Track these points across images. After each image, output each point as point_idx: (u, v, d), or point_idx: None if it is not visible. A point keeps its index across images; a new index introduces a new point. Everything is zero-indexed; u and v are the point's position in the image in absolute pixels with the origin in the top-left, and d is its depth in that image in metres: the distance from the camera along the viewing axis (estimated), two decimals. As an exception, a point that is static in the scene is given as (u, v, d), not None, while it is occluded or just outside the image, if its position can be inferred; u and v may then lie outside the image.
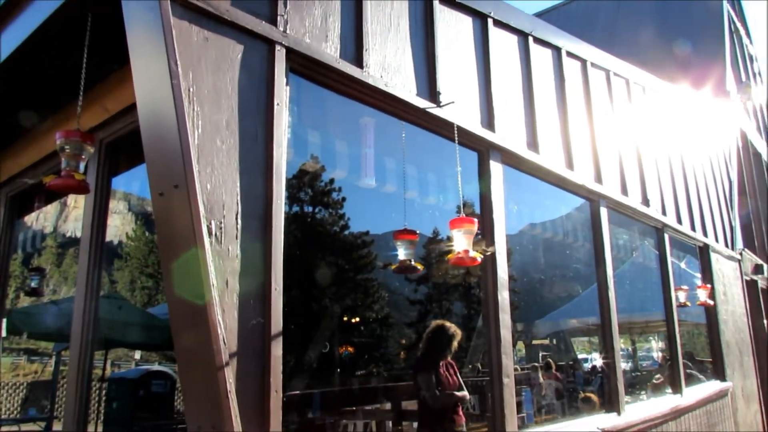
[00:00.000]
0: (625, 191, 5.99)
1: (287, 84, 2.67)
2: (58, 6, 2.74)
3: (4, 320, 4.63)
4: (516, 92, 4.63)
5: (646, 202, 6.43)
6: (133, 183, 4.04)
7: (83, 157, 2.48)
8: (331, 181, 17.03)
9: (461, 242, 3.06)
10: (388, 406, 7.80)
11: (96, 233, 3.22)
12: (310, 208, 16.99)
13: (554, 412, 7.73)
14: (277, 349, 2.26)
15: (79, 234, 3.28)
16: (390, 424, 7.21)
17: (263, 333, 2.24)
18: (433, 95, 3.68)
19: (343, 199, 17.03)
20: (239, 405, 2.02)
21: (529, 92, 4.75)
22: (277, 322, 2.29)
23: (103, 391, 9.18)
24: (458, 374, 4.50)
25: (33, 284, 6.00)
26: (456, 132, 3.60)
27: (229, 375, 2.02)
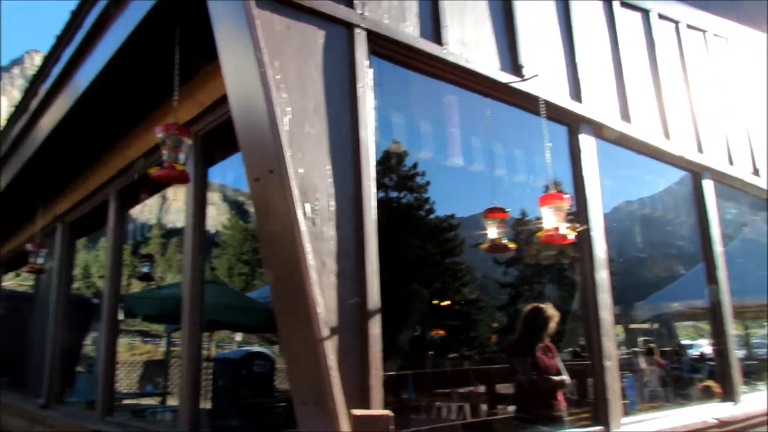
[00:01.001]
0: (731, 161, 5.57)
1: (370, 66, 2.68)
2: (149, 8, 2.90)
3: (120, 304, 5.01)
4: (604, 61, 4.41)
5: (755, 171, 5.95)
6: (227, 173, 4.20)
7: (182, 148, 2.62)
8: (415, 165, 17.05)
9: (551, 219, 2.96)
10: (481, 389, 7.76)
11: (198, 221, 3.41)
12: (395, 193, 17.10)
13: (658, 400, 7.38)
14: (374, 327, 2.30)
15: (179, 225, 3.48)
16: (484, 407, 7.18)
17: (361, 312, 2.28)
18: (515, 69, 3.57)
19: (428, 183, 17.02)
20: (341, 381, 2.08)
21: (617, 60, 4.51)
22: (373, 301, 2.33)
23: (209, 370, 9.73)
24: (557, 358, 4.39)
25: (145, 270, 6.39)
26: (542, 106, 3.48)
27: (330, 352, 2.07)
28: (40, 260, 5.68)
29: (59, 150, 4.77)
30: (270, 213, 2.25)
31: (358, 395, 2.21)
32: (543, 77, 3.65)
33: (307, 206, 2.21)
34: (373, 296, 2.35)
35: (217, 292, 8.03)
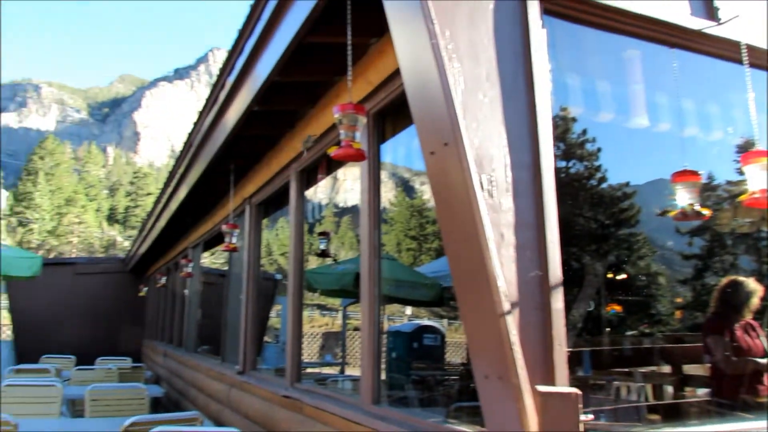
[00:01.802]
0: None
1: (543, 26, 2.53)
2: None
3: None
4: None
5: None
6: (396, 150, 4.27)
7: (358, 127, 2.70)
8: (584, 131, 16.13)
9: (759, 179, 2.57)
10: (665, 369, 7.20)
11: (372, 198, 3.52)
12: (564, 163, 16.33)
13: None
14: (557, 302, 2.20)
15: (349, 203, 3.63)
16: (669, 388, 6.66)
17: (542, 285, 2.19)
18: (709, 12, 3.15)
19: (599, 149, 16.00)
20: (524, 356, 2.02)
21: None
22: (555, 274, 2.22)
23: (383, 343, 10.16)
24: (762, 337, 3.92)
25: (322, 246, 6.79)
26: (743, 51, 3.03)
27: (512, 327, 2.02)
28: (234, 240, 6.30)
29: (246, 136, 5.20)
30: (446, 186, 2.23)
31: (542, 371, 2.13)
32: (742, 18, 3.19)
33: (484, 177, 2.15)
34: (555, 269, 2.24)
35: (388, 268, 8.32)
